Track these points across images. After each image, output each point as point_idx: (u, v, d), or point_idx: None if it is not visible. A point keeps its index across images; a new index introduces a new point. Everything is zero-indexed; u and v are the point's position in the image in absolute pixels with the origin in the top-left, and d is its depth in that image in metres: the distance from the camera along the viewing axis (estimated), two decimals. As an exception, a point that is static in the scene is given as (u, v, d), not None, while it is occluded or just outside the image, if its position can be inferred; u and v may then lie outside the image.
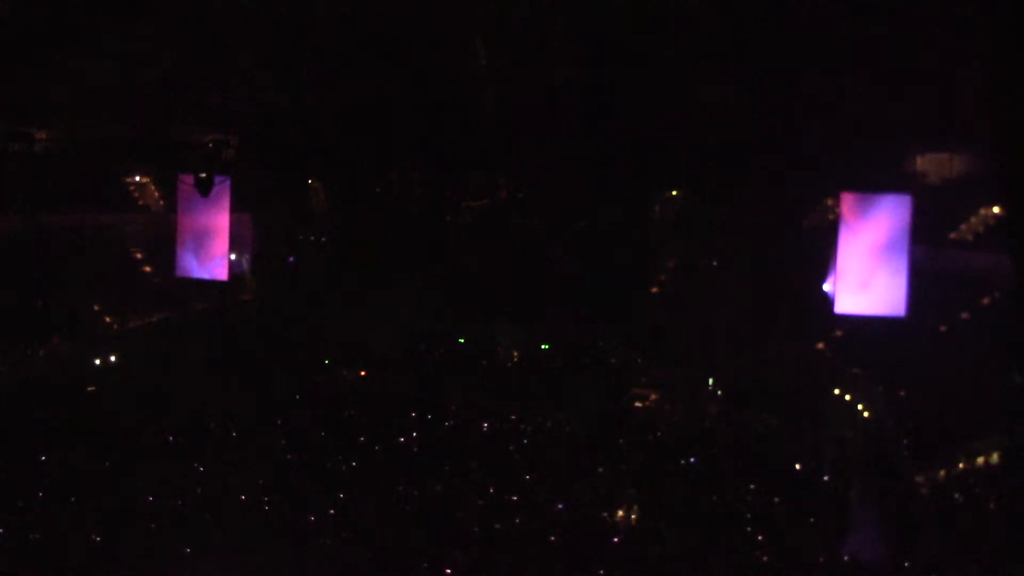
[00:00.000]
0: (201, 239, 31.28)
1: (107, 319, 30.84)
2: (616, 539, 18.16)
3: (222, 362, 27.72)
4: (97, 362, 28.69)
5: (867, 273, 26.34)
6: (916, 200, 26.06)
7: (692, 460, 22.35)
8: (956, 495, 20.46)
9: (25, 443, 21.71)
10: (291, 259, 31.96)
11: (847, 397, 26.14)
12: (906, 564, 17.23)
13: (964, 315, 25.93)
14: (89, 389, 26.83)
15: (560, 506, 19.48)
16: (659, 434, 24.72)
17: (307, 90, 28.09)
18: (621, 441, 23.90)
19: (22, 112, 25.61)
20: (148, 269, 32.76)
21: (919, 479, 21.67)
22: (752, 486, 20.12)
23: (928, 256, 26.37)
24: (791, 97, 24.46)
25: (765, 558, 17.34)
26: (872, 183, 26.38)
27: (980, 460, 21.44)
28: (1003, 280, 23.60)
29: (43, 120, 27.11)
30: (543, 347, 29.29)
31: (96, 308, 30.68)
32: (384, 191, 30.76)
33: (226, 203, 30.98)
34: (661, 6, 23.09)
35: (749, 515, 19.18)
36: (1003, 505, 19.36)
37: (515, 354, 29.34)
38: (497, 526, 18.31)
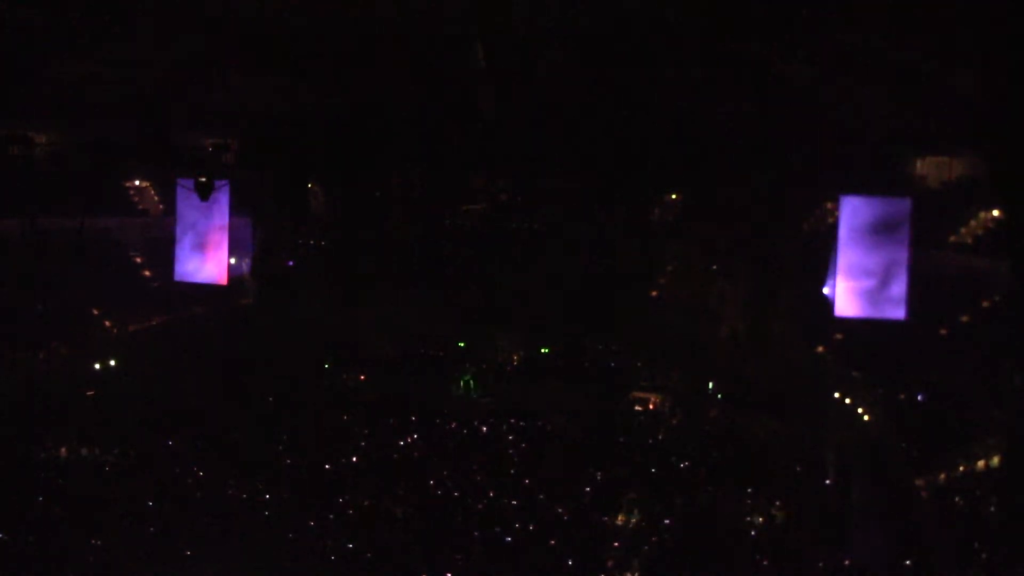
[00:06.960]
0: (200, 243, 31.28)
1: (106, 323, 30.81)
2: (616, 543, 18.12)
3: (221, 366, 27.70)
4: (96, 366, 28.67)
5: (867, 276, 26.34)
6: (916, 203, 26.07)
7: (692, 463, 22.32)
8: (956, 498, 20.42)
9: (25, 446, 21.69)
10: (290, 263, 31.94)
11: (847, 400, 26.12)
12: (907, 567, 17.20)
13: (964, 318, 25.91)
14: (88, 393, 26.79)
15: (560, 509, 19.45)
16: (659, 437, 24.69)
17: (306, 94, 28.11)
18: (621, 443, 23.87)
19: (21, 115, 25.60)
20: (147, 273, 32.73)
21: (919, 482, 21.63)
22: (752, 489, 20.09)
23: (928, 259, 26.37)
24: (791, 101, 24.47)
25: (765, 561, 17.31)
26: (872, 186, 26.38)
27: (980, 463, 21.40)
28: (1003, 282, 23.59)
29: (42, 124, 27.12)
30: (543, 350, 29.28)
31: (96, 312, 30.65)
32: (383, 195, 30.77)
33: (225, 207, 31.00)
34: (660, 11, 23.10)
35: (749, 518, 19.17)
36: (1003, 508, 19.32)
37: (515, 357, 29.34)
38: (497, 530, 18.28)
